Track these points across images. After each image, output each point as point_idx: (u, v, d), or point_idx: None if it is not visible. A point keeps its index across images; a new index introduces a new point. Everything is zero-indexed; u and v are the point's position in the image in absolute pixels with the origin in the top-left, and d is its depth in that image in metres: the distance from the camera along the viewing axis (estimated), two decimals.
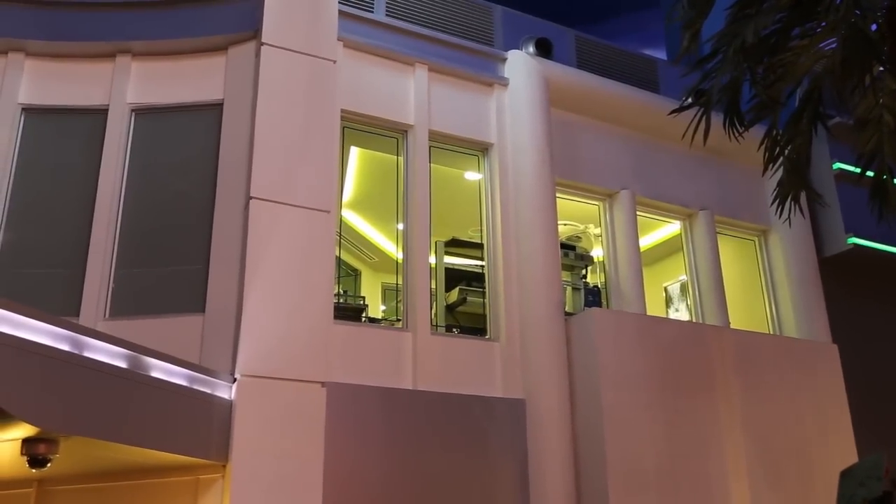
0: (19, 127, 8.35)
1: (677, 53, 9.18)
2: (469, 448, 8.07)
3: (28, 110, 8.40)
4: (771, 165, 7.99)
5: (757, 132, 8.01)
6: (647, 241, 10.66)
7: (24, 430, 5.48)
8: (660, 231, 11.11)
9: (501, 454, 8.19)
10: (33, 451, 5.63)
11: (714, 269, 10.31)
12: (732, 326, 9.99)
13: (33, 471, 5.85)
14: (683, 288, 10.94)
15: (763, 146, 7.97)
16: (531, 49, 9.98)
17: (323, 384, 7.17)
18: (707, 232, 10.51)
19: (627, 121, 10.36)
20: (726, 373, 9.15)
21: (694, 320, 10.26)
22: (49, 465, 5.77)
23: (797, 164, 7.88)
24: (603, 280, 10.04)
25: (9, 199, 8.08)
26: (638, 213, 10.07)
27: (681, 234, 10.76)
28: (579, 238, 10.47)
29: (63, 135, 8.44)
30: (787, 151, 7.88)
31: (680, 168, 10.53)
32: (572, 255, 9.95)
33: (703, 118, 7.40)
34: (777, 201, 8.10)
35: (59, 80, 8.51)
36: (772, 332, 10.65)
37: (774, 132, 7.91)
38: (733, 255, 10.99)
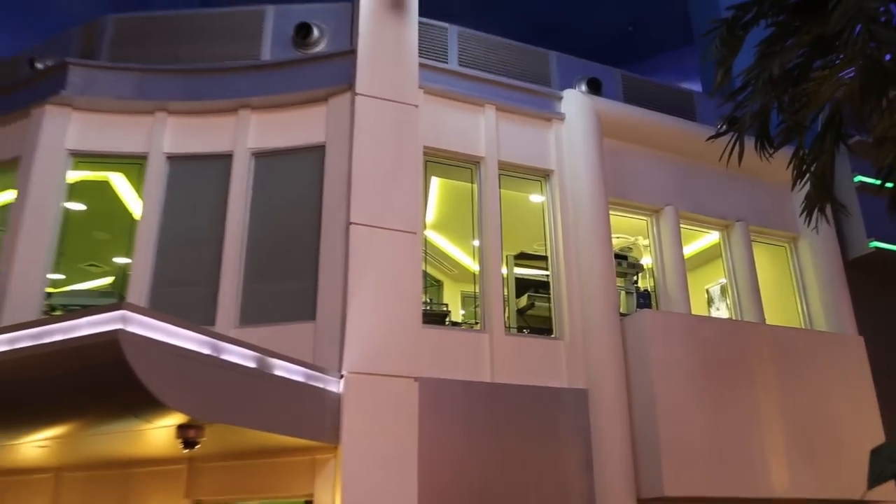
0: (165, 172, 8.74)
1: (712, 86, 9.08)
2: (539, 431, 8.10)
3: (171, 158, 8.78)
4: (799, 181, 7.86)
5: (784, 152, 7.85)
6: (689, 250, 10.51)
7: (178, 419, 5.78)
8: (701, 241, 10.93)
9: (568, 436, 8.19)
10: (185, 435, 5.93)
11: (750, 273, 10.12)
12: (768, 323, 9.75)
13: (185, 451, 6.11)
14: (723, 290, 10.75)
15: (791, 164, 7.84)
16: (583, 87, 9.99)
17: (415, 379, 7.33)
18: (743, 240, 10.31)
19: (669, 146, 10.25)
20: (763, 363, 8.97)
21: (733, 318, 10.05)
22: (197, 446, 6.03)
23: (822, 178, 7.71)
24: (652, 284, 9.94)
25: (159, 232, 8.45)
26: (681, 225, 9.94)
27: (719, 242, 10.57)
28: (630, 249, 10.39)
29: (198, 176, 8.77)
30: (813, 168, 7.72)
31: (717, 185, 10.37)
32: (625, 263, 9.89)
33: (738, 142, 7.32)
34: (805, 212, 7.95)
35: (195, 132, 8.87)
36: (803, 327, 10.36)
37: (801, 152, 7.77)
38: (767, 260, 10.76)
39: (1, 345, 5.71)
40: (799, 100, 7.41)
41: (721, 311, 10.76)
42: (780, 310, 10.42)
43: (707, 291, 11.18)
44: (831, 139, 7.53)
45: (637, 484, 8.05)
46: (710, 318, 10.21)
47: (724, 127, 7.81)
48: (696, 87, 11.79)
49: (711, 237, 10.78)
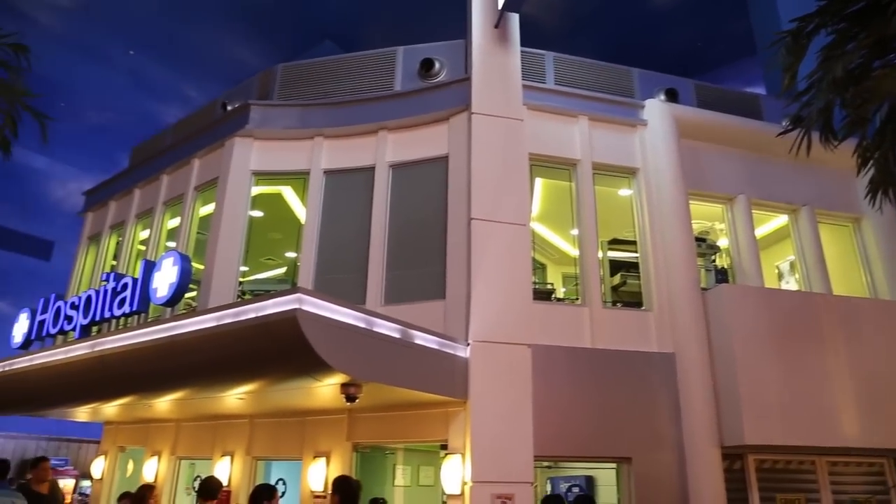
0: (323, 184, 9.05)
1: (776, 89, 8.53)
2: (633, 389, 7.89)
3: (327, 173, 9.09)
4: (863, 168, 7.30)
5: (847, 142, 7.29)
6: (760, 231, 9.92)
7: (341, 378, 5.91)
8: (770, 223, 10.32)
9: (658, 393, 7.95)
10: (347, 391, 6.07)
11: (817, 251, 9.46)
12: (835, 294, 9.07)
13: (347, 404, 6.28)
14: (792, 266, 10.09)
15: (856, 153, 7.28)
16: (662, 97, 9.64)
17: (528, 345, 7.28)
18: (809, 222, 9.65)
19: (739, 142, 9.72)
20: (832, 329, 8.38)
21: (803, 290, 9.40)
22: (356, 401, 6.19)
23: (885, 164, 7.13)
24: (728, 263, 9.47)
25: (319, 231, 8.77)
26: (752, 210, 9.39)
27: (788, 224, 9.91)
28: (708, 232, 9.93)
29: (348, 186, 9.02)
30: (876, 155, 7.13)
31: (784, 174, 9.74)
32: (704, 245, 9.46)
33: (806, 136, 6.86)
34: (870, 194, 7.38)
35: (344, 151, 9.14)
36: (868, 297, 9.57)
37: (864, 142, 7.20)
38: (832, 238, 10.02)
39: (211, 321, 6.09)
40: (860, 96, 6.86)
41: (790, 285, 10.11)
42: (845, 282, 9.69)
43: (777, 268, 10.53)
44: (892, 129, 6.94)
45: (720, 433, 7.72)
46: (782, 291, 9.61)
47: (791, 124, 7.38)
48: (760, 90, 11.05)
49: (780, 220, 10.14)
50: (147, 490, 7.07)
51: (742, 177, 9.55)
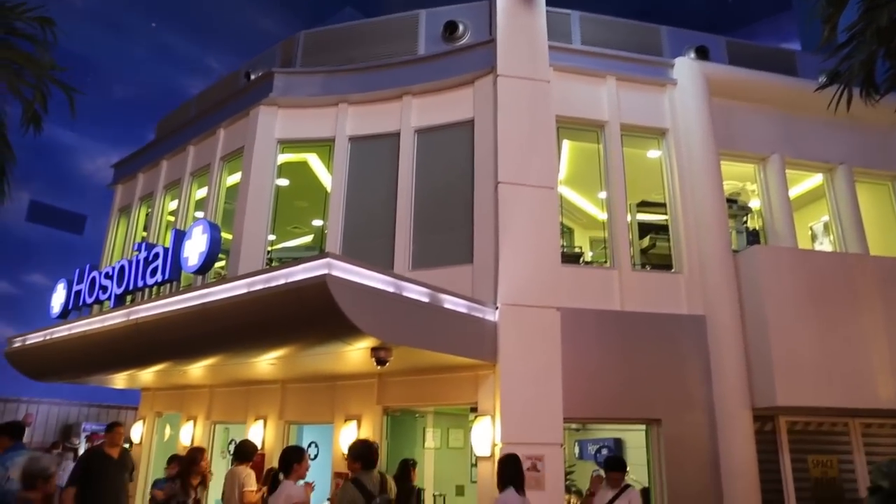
0: (348, 151, 9.01)
1: (811, 45, 8.20)
2: (663, 351, 7.83)
3: (352, 139, 9.04)
4: None
5: (887, 98, 7.01)
6: (794, 192, 9.66)
7: (371, 342, 5.96)
8: (804, 183, 10.04)
9: (689, 355, 7.88)
10: (378, 355, 6.11)
11: (853, 210, 9.20)
12: (872, 254, 8.84)
13: (378, 368, 6.34)
14: (826, 227, 9.83)
15: None
16: (692, 55, 9.35)
17: (557, 308, 7.24)
18: (846, 181, 9.36)
19: (773, 100, 9.41)
20: (869, 290, 8.19)
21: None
22: (387, 364, 6.22)
23: None
24: (760, 224, 9.25)
25: (346, 198, 8.76)
26: (787, 170, 9.14)
27: (823, 184, 9.63)
28: (739, 193, 9.70)
29: (373, 152, 8.97)
30: None
31: (819, 132, 9.45)
32: (735, 206, 9.25)
33: (846, 90, 6.60)
34: None
35: (369, 117, 9.06)
36: None
37: None
38: (870, 197, 9.72)
39: (242, 288, 6.16)
40: None
41: (824, 247, 9.88)
42: (882, 242, 9.42)
43: (811, 229, 10.28)
44: None
45: (751, 395, 7.65)
46: (816, 252, 9.39)
47: (829, 79, 7.09)
48: (794, 47, 10.65)
49: (815, 180, 9.86)
50: (198, 453, 7.21)
51: (776, 136, 9.27)
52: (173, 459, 7.73)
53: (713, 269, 8.07)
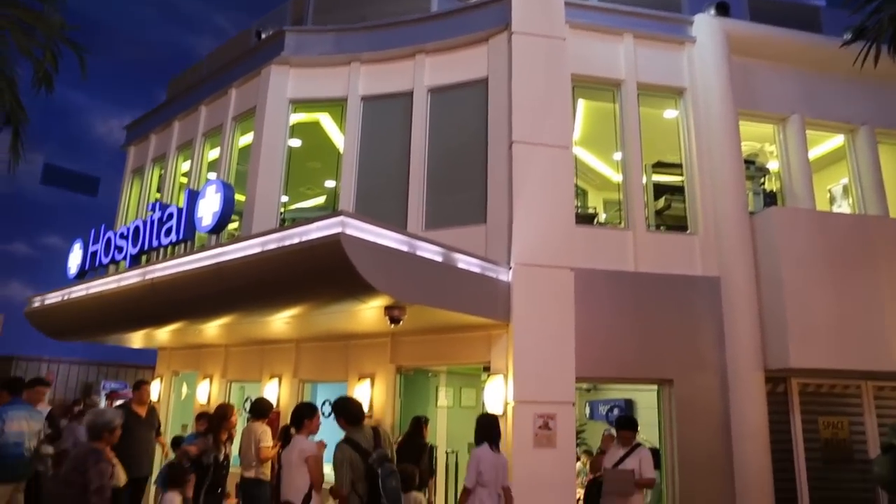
0: (360, 112, 8.91)
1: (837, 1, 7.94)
2: (677, 312, 7.80)
3: (365, 99, 8.93)
4: None
5: None
6: (813, 154, 9.45)
7: (385, 300, 5.96)
8: (823, 145, 9.82)
9: (702, 316, 7.86)
10: (391, 314, 6.12)
11: (875, 172, 9.02)
12: (892, 217, 8.69)
13: (391, 326, 6.35)
14: (845, 189, 9.66)
15: None
16: (712, 11, 9.06)
17: (571, 269, 7.20)
18: (868, 142, 9.17)
19: (795, 58, 9.17)
20: (888, 252, 8.05)
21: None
22: (400, 323, 6.24)
23: None
24: (778, 186, 9.11)
25: (359, 158, 8.70)
26: (807, 131, 8.94)
27: (844, 145, 9.43)
28: (757, 154, 9.54)
29: (386, 112, 8.86)
30: None
31: (842, 92, 9.22)
32: (752, 167, 9.10)
33: (873, 46, 6.40)
34: None
35: (382, 76, 8.93)
36: None
37: None
38: (891, 158, 9.49)
39: (256, 246, 6.17)
40: None
41: (842, 209, 9.72)
42: None
43: (829, 191, 10.11)
44: None
45: (764, 357, 7.63)
46: (835, 214, 9.26)
47: (854, 35, 6.89)
48: (818, 1, 10.32)
49: (835, 141, 9.65)
50: (229, 409, 7.31)
51: (797, 95, 9.05)
52: (202, 416, 7.86)
53: (729, 230, 7.98)
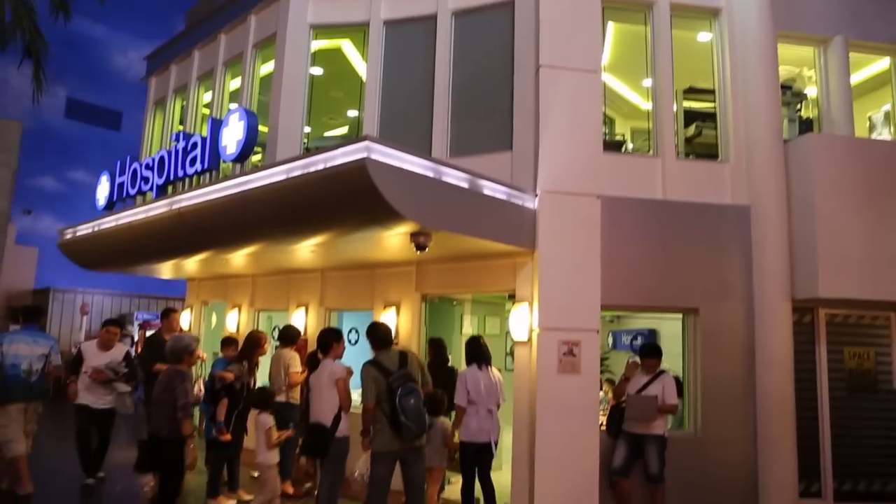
0: (382, 37, 8.67)
1: None
2: (704, 240, 7.67)
3: (387, 23, 8.68)
4: None
5: None
6: (854, 79, 8.98)
7: (411, 227, 5.93)
8: (865, 70, 9.32)
9: (730, 245, 7.71)
10: (417, 240, 6.07)
11: None
12: None
13: (417, 253, 6.33)
14: (887, 116, 9.24)
15: None
16: None
17: (597, 196, 7.08)
18: None
19: None
20: None
21: None
22: (426, 249, 6.21)
23: None
24: (815, 113, 8.74)
25: (382, 86, 8.53)
26: (850, 53, 8.49)
27: (889, 69, 8.95)
28: (794, 80, 9.10)
29: (409, 36, 8.62)
30: None
31: (891, 10, 8.67)
32: (788, 93, 8.71)
33: None
34: None
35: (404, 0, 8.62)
36: None
37: None
38: None
39: (281, 174, 6.16)
40: None
41: (883, 137, 9.33)
42: None
43: (869, 119, 9.69)
44: None
45: (792, 286, 7.50)
46: (874, 141, 8.84)
47: None
48: None
49: (879, 65, 9.17)
50: (262, 336, 7.48)
51: (841, 14, 8.53)
52: (229, 342, 8.05)
53: (761, 157, 7.73)
